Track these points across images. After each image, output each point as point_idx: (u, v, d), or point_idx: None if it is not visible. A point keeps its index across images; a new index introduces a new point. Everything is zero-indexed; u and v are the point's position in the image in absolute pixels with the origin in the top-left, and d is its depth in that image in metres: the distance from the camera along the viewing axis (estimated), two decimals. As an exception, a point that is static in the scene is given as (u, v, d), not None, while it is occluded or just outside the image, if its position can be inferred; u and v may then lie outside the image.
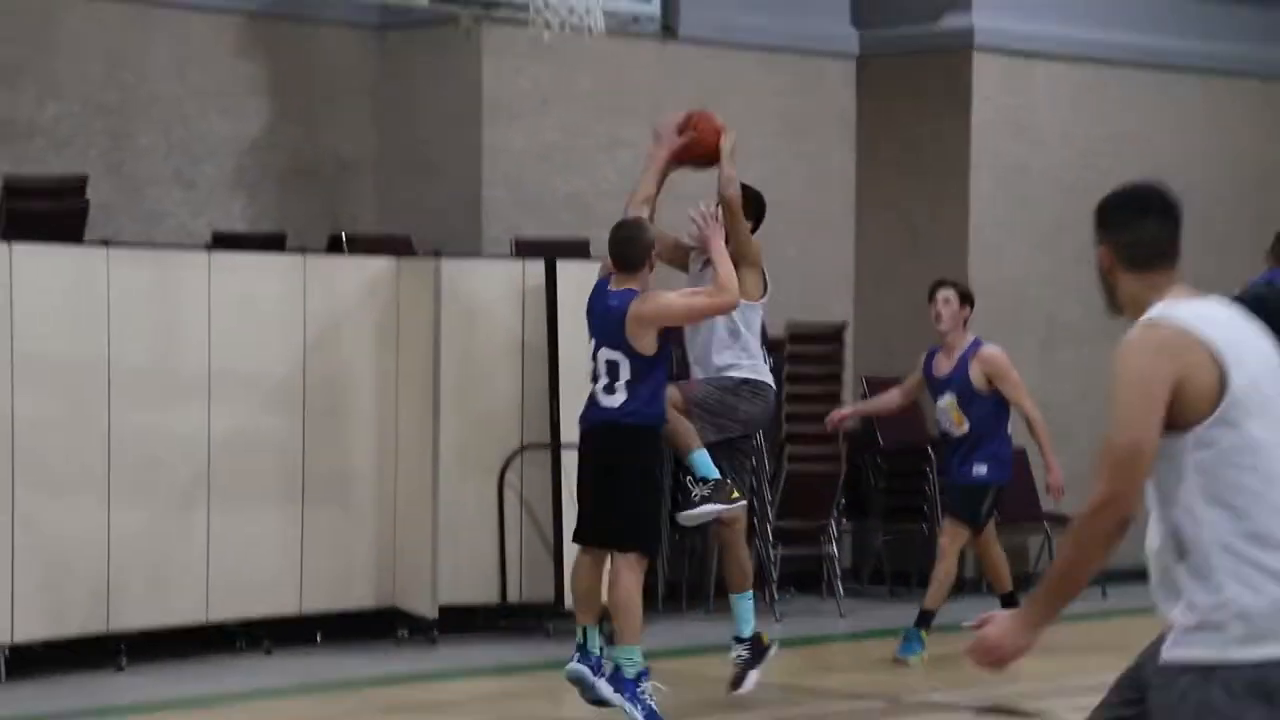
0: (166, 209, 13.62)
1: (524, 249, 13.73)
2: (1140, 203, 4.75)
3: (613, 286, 9.70)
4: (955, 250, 15.57)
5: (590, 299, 9.85)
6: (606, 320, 9.64)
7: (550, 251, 13.15)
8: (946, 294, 12.16)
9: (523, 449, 12.80)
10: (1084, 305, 14.53)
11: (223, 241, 13.09)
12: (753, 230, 10.55)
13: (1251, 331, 4.68)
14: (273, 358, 12.22)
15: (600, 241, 13.74)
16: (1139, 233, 4.71)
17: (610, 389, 9.60)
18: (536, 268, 12.90)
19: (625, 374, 9.59)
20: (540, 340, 12.82)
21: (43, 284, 11.23)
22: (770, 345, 15.02)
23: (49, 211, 12.01)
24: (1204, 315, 4.60)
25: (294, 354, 12.29)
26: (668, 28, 12.64)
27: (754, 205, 10.62)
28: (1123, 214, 4.74)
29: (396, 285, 12.70)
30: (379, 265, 12.78)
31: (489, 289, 12.91)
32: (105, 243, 11.85)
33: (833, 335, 14.90)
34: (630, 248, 9.68)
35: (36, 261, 11.25)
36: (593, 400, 9.70)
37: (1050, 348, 15.76)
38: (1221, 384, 4.52)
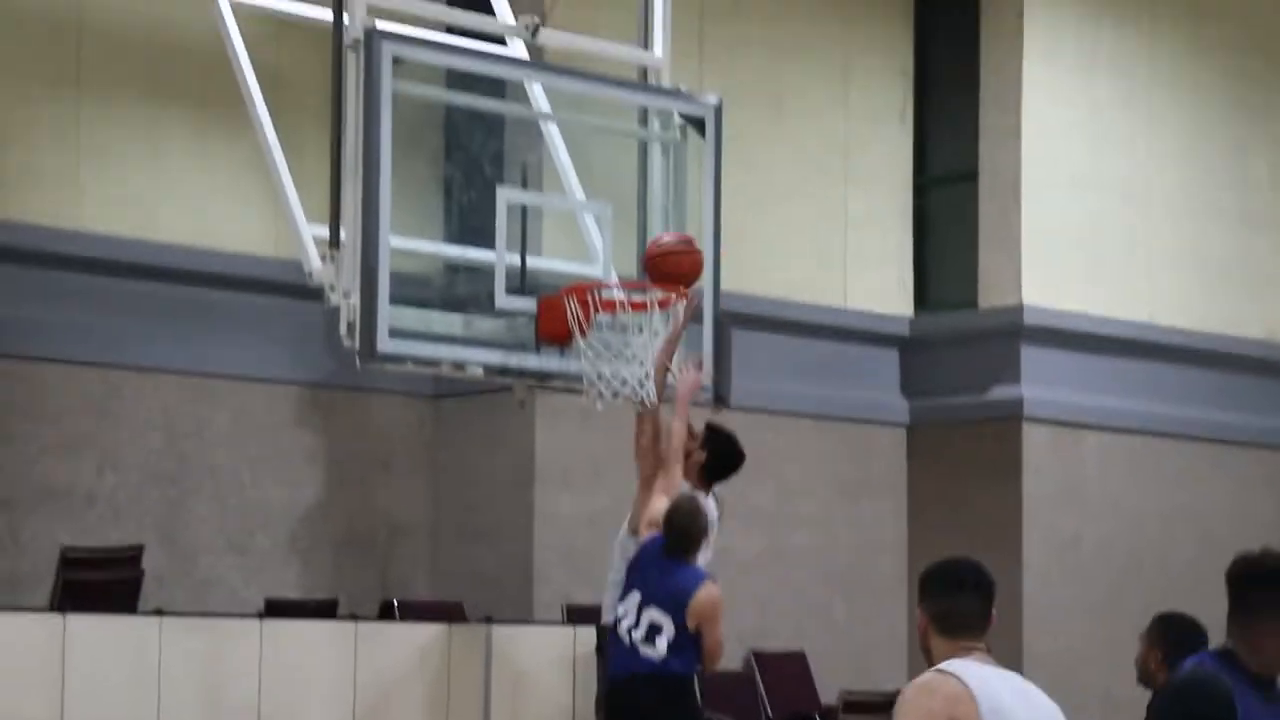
0: (220, 576, 13.72)
1: (575, 615, 13.71)
2: (956, 578, 5.24)
3: (670, 556, 9.72)
4: (1009, 619, 15.48)
5: (642, 560, 9.86)
6: (666, 592, 9.71)
7: (602, 618, 13.12)
8: None
9: (571, 822, 12.66)
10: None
11: (275, 609, 13.14)
12: (717, 480, 10.39)
13: (1029, 705, 5.14)
14: (322, 727, 12.18)
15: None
16: (953, 605, 5.20)
17: (651, 641, 9.64)
18: (588, 634, 12.87)
19: (669, 635, 9.65)
20: (590, 708, 12.73)
21: (94, 654, 11.26)
22: (823, 713, 15.00)
23: (103, 581, 12.11)
24: (985, 678, 5.08)
25: (343, 723, 12.25)
26: (720, 398, 12.74)
27: (717, 445, 10.36)
28: (940, 586, 5.23)
29: (447, 652, 12.69)
30: (430, 632, 12.78)
31: (539, 655, 12.87)
32: (158, 612, 11.91)
33: (886, 704, 14.75)
34: (688, 534, 9.73)
35: (89, 632, 11.29)
36: (631, 650, 9.69)
37: (1107, 721, 15.59)
38: None
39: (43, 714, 11.10)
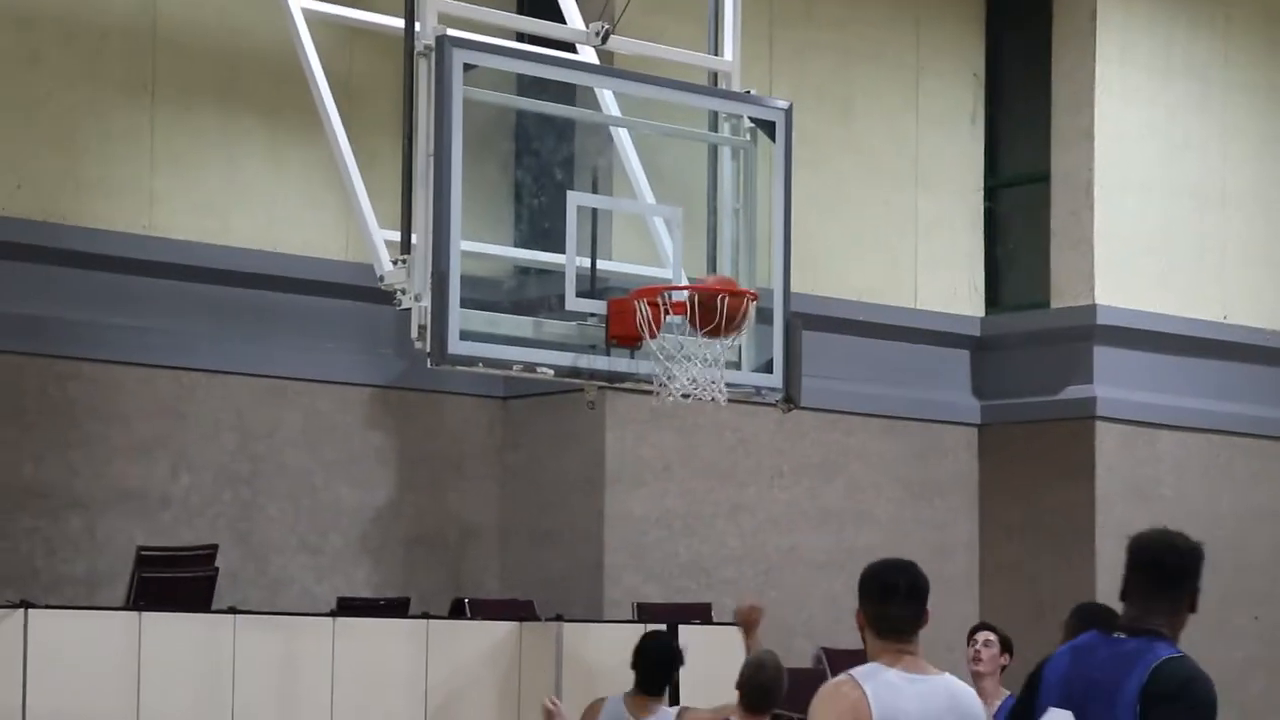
0: (292, 576, 13.86)
1: (645, 613, 13.78)
2: (890, 584, 5.55)
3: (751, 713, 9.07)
4: (1081, 618, 15.47)
5: None
6: None
7: (672, 616, 13.19)
8: (988, 635, 11.64)
9: (641, 820, 12.69)
10: (1217, 682, 14.34)
11: (347, 607, 13.25)
12: (654, 687, 10.07)
13: (948, 712, 5.49)
14: (394, 724, 12.28)
15: (722, 607, 13.77)
16: (885, 609, 5.54)
17: None
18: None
19: None
20: (662, 706, 12.78)
21: (170, 651, 11.39)
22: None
23: (179, 580, 12.26)
24: (893, 686, 5.44)
25: (415, 720, 12.35)
26: (789, 398, 12.80)
27: (641, 648, 10.09)
28: (874, 592, 5.57)
29: (519, 650, 12.77)
30: (501, 630, 12.86)
31: (610, 654, 12.92)
32: (232, 610, 12.04)
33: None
34: (770, 692, 9.14)
35: (164, 630, 11.43)
36: None
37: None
38: None
39: (119, 710, 11.24)
